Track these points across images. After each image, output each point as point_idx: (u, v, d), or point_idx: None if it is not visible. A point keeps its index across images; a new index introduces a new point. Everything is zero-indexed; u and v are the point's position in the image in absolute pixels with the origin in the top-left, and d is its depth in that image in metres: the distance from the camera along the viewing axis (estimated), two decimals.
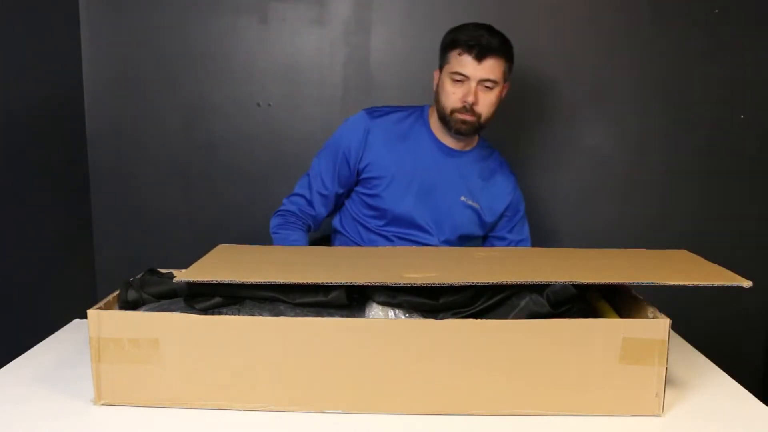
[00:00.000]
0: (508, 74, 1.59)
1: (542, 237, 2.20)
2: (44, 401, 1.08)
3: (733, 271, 2.06)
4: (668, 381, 1.02)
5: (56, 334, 1.38)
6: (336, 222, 1.74)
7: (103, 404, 1.05)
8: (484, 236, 1.76)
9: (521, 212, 1.75)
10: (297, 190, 1.68)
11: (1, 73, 1.73)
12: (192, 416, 1.02)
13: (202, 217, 2.21)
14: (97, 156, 2.18)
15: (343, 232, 1.71)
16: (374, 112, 1.65)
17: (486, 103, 1.55)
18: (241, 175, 2.18)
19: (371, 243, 1.66)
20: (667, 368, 1.00)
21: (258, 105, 2.16)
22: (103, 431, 1.00)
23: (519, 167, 2.16)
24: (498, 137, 2.13)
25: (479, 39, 1.51)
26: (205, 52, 2.13)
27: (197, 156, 2.18)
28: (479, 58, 1.51)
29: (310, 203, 1.66)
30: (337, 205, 1.71)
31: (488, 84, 1.54)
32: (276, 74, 2.14)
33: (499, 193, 1.69)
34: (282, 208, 1.67)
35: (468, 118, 1.55)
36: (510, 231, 1.74)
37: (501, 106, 1.62)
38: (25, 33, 1.85)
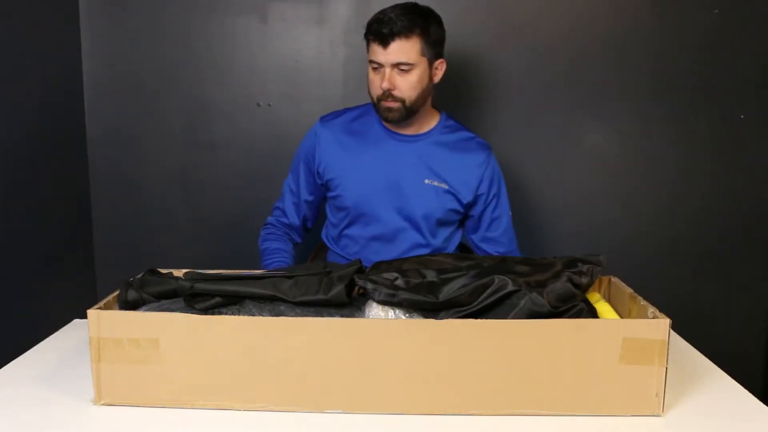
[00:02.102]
0: (428, 50, 1.53)
1: (543, 237, 2.20)
2: (44, 401, 1.08)
3: (733, 270, 2.07)
4: (668, 381, 1.02)
5: (56, 334, 1.38)
6: (323, 235, 1.78)
7: (103, 404, 1.05)
8: (462, 219, 1.70)
9: (499, 187, 1.68)
10: (275, 205, 1.77)
11: (1, 74, 1.73)
12: (192, 416, 1.02)
13: (202, 217, 2.21)
14: (97, 156, 2.18)
15: (328, 244, 1.75)
16: (326, 117, 1.70)
17: (405, 86, 1.52)
18: (241, 175, 2.18)
19: (344, 248, 1.69)
20: (667, 368, 1.01)
21: (258, 105, 2.16)
22: (103, 431, 1.00)
23: (519, 167, 2.16)
24: (498, 137, 2.13)
25: (383, 24, 1.49)
26: (205, 52, 2.13)
27: (197, 156, 2.18)
28: (384, 44, 1.50)
29: (283, 213, 1.73)
30: (314, 215, 1.76)
31: (403, 67, 1.51)
32: (276, 74, 2.14)
33: (469, 167, 1.64)
34: (265, 223, 1.76)
35: (391, 104, 1.54)
36: (488, 209, 1.67)
37: (445, 82, 1.60)
38: (25, 33, 1.85)
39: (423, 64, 1.54)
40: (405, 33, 1.49)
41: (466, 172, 1.64)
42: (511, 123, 2.15)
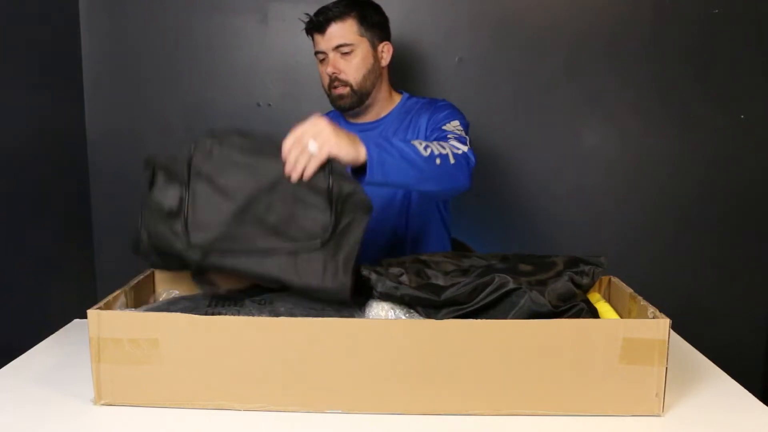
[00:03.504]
0: (367, 32, 1.55)
1: (542, 235, 2.20)
2: (44, 401, 1.08)
3: (733, 270, 2.06)
4: (668, 381, 1.02)
5: (56, 334, 1.38)
6: None
7: (103, 404, 1.04)
8: None
9: (445, 115, 1.54)
10: None
11: (1, 74, 1.73)
12: (192, 416, 1.02)
13: None
14: (97, 156, 2.18)
15: None
16: None
17: (350, 68, 1.54)
18: None
19: None
20: (667, 368, 1.00)
21: (258, 105, 2.16)
22: (103, 431, 1.00)
23: (519, 165, 2.17)
24: (499, 137, 2.13)
25: (319, 14, 1.54)
26: (205, 52, 2.13)
27: None
28: (321, 30, 1.53)
29: None
30: None
31: (343, 49, 1.53)
32: (276, 74, 2.14)
33: (424, 121, 1.59)
34: None
35: (341, 91, 1.56)
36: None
37: (394, 66, 1.61)
38: (25, 34, 1.85)
39: (364, 45, 1.55)
40: (340, 16, 1.53)
41: (422, 126, 1.58)
42: (510, 122, 2.15)
